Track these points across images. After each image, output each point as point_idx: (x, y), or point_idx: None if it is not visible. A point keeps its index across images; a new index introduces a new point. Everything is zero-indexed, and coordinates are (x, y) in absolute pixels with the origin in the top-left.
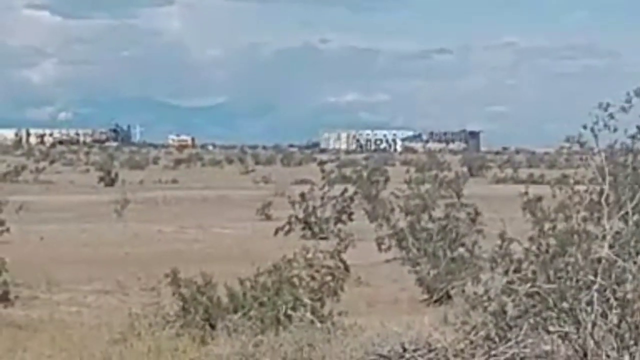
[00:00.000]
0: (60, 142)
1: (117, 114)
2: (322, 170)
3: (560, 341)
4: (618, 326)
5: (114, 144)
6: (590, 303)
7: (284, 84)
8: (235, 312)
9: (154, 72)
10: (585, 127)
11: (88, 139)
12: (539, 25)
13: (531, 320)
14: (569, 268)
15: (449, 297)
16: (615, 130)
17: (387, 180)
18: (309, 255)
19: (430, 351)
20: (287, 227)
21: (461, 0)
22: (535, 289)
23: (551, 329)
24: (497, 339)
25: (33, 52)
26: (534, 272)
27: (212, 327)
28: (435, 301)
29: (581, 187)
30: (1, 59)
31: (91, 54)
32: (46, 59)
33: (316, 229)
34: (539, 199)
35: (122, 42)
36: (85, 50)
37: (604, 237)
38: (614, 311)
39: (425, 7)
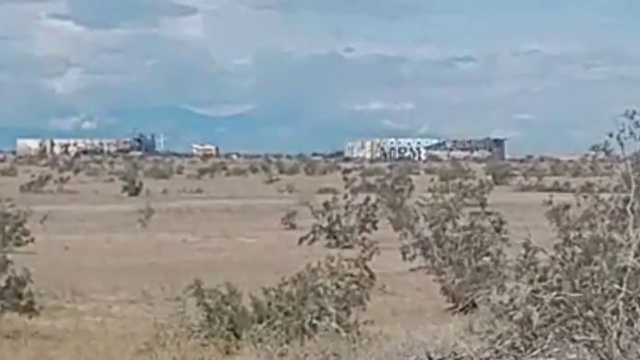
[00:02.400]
0: (85, 152)
1: (141, 123)
2: (345, 179)
3: (585, 350)
4: None
5: (138, 153)
6: (615, 312)
7: (308, 93)
8: (260, 321)
9: (178, 81)
10: (611, 135)
11: (112, 149)
12: (565, 32)
13: (557, 329)
14: (595, 277)
15: (474, 305)
16: None
17: (411, 188)
18: (334, 264)
19: None
20: (311, 236)
21: (486, 7)
22: (560, 298)
23: (577, 337)
24: (522, 348)
25: (57, 62)
26: (559, 281)
27: (237, 337)
28: (461, 310)
29: (606, 195)
30: (25, 69)
31: (115, 64)
32: (70, 69)
33: (340, 238)
34: (566, 207)
35: (147, 51)
36: (109, 60)
37: (629, 245)
38: (639, 320)
39: (450, 15)
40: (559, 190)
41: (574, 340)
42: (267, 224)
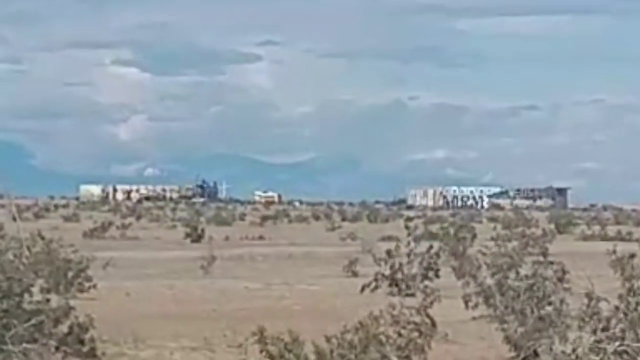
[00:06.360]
0: (147, 198)
1: (203, 170)
2: (407, 227)
3: None
4: None
5: (201, 200)
6: None
7: (371, 141)
8: None
9: (241, 129)
10: None
11: (175, 195)
12: (629, 81)
13: None
14: None
15: (537, 355)
16: None
17: (474, 237)
18: (396, 312)
19: None
20: (373, 284)
21: (550, 57)
22: (623, 348)
23: None
24: None
25: (121, 109)
26: (622, 331)
27: None
28: (523, 359)
29: None
30: (89, 115)
31: (179, 111)
32: (134, 115)
33: (403, 286)
34: (631, 256)
35: (211, 98)
36: (173, 107)
37: None
38: None
39: (514, 64)
40: (622, 239)
41: None
42: (329, 272)
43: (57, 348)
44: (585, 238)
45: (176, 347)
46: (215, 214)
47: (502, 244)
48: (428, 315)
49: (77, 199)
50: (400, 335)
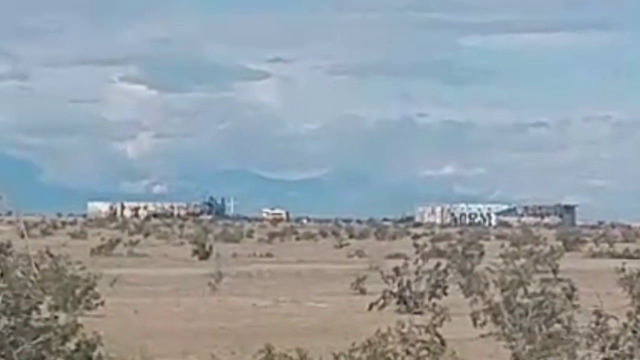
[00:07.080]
0: (155, 215)
1: (211, 187)
2: (416, 245)
3: None
4: None
5: (208, 217)
6: None
7: (379, 158)
8: None
9: (249, 146)
10: None
11: (182, 212)
12: (637, 98)
13: None
14: None
15: None
16: None
17: (481, 254)
18: (404, 330)
19: None
20: (381, 302)
21: (558, 73)
22: None
23: None
24: None
25: (129, 125)
26: (631, 349)
27: None
28: None
29: None
30: (97, 132)
31: (187, 128)
32: (142, 132)
33: (411, 304)
34: None
35: (218, 115)
36: (181, 124)
37: None
38: None
39: (522, 80)
40: (630, 257)
41: None
42: (337, 289)
43: None
44: (594, 256)
45: None
46: (223, 231)
47: (510, 261)
48: (437, 334)
49: (84, 216)
50: (408, 353)
